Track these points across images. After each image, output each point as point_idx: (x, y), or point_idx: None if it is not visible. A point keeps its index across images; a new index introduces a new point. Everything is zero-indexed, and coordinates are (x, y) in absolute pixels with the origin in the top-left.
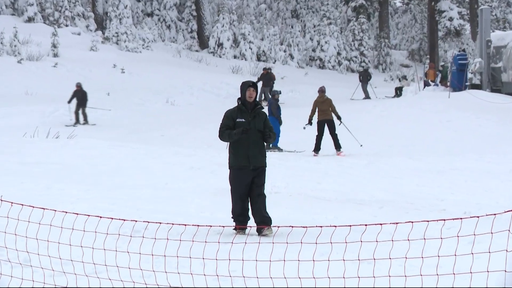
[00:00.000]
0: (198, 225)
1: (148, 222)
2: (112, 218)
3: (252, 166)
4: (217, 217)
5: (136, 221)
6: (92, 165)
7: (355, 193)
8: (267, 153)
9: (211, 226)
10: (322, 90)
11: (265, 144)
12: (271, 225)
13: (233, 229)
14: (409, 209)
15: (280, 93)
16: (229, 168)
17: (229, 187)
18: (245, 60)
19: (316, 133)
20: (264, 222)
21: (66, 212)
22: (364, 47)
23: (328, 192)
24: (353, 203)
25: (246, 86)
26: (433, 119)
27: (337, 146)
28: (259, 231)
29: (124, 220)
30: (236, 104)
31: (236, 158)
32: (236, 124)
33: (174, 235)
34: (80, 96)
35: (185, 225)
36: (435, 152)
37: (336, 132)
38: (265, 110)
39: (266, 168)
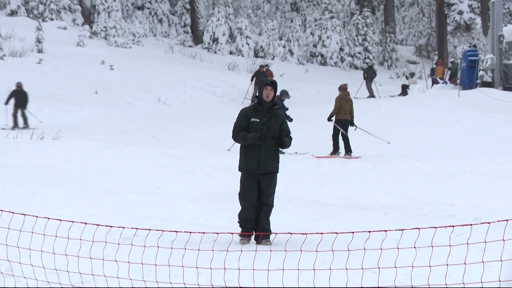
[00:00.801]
0: (191, 232)
1: (138, 228)
2: (98, 225)
3: (262, 170)
4: (212, 224)
5: (124, 227)
6: (79, 168)
7: (358, 198)
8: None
9: (204, 233)
10: (346, 88)
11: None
12: (269, 238)
13: (239, 235)
14: (416, 215)
15: (289, 96)
16: (239, 170)
17: (236, 190)
18: (242, 56)
19: (332, 133)
20: (263, 233)
21: (49, 219)
22: (369, 43)
23: (329, 196)
24: (356, 209)
25: (264, 84)
26: (441, 119)
27: (349, 150)
28: (259, 243)
29: (112, 226)
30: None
31: (246, 161)
32: (250, 124)
33: (166, 243)
34: (20, 97)
35: (177, 232)
36: (444, 154)
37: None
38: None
39: (278, 174)
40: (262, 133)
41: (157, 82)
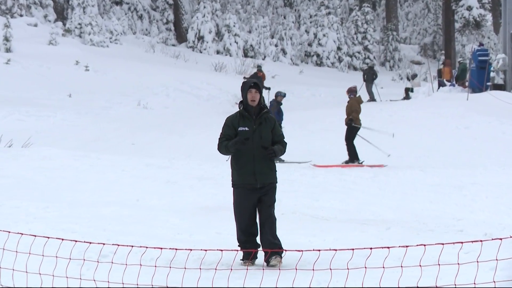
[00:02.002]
0: (176, 249)
1: (118, 245)
2: (75, 241)
3: (260, 184)
4: (198, 240)
5: (103, 244)
6: (51, 178)
7: (358, 211)
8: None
9: (191, 250)
10: (356, 91)
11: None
12: (281, 255)
13: (240, 259)
14: (421, 230)
15: (285, 95)
16: (232, 187)
17: (232, 207)
18: (230, 56)
19: (347, 139)
20: (272, 249)
21: (22, 234)
22: (369, 41)
23: (327, 210)
24: (356, 223)
25: (247, 87)
26: (449, 125)
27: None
28: (267, 261)
29: (90, 243)
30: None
31: (240, 175)
32: (238, 134)
33: (148, 261)
34: None
35: (161, 248)
36: (452, 164)
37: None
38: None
39: (277, 184)
40: (242, 137)
41: (136, 84)
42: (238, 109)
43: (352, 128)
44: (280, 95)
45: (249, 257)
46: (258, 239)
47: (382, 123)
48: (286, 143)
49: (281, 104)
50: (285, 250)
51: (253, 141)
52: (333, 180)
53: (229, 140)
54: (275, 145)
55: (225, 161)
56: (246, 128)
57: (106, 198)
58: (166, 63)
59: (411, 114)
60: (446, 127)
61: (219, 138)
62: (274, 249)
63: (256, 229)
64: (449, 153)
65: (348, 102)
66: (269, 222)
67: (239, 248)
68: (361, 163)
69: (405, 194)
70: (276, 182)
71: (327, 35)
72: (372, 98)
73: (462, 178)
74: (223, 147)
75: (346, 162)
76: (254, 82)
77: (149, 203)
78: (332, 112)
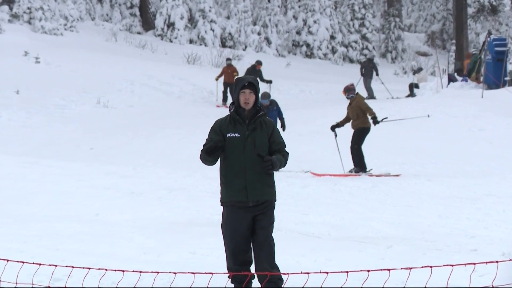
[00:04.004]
0: (140, 272)
1: (73, 267)
2: (23, 262)
3: (252, 202)
4: (166, 261)
5: (56, 266)
6: None
7: (354, 227)
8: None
9: (158, 272)
10: (355, 89)
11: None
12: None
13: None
14: (428, 249)
15: (268, 97)
16: (221, 205)
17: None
18: (205, 45)
19: (355, 145)
20: (269, 280)
21: None
22: (367, 29)
23: (318, 226)
24: (351, 241)
25: (240, 85)
26: (460, 126)
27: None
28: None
29: (40, 264)
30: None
31: (229, 191)
32: (227, 141)
33: (109, 285)
34: None
35: (123, 271)
36: (463, 172)
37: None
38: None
39: (276, 203)
40: (216, 142)
41: (96, 79)
42: (229, 112)
43: (363, 130)
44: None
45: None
46: (253, 268)
47: (383, 124)
48: (287, 153)
49: (274, 107)
50: (269, 274)
51: (244, 150)
52: (326, 190)
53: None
54: (274, 154)
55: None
56: (237, 135)
57: (59, 212)
58: (130, 54)
59: (416, 114)
60: (457, 129)
61: (203, 146)
62: (271, 279)
63: (251, 256)
64: (461, 160)
65: (351, 102)
66: (266, 246)
67: (222, 274)
68: (369, 171)
69: (409, 207)
70: (275, 200)
71: (318, 22)
72: (371, 95)
73: (476, 188)
74: (202, 157)
75: (354, 171)
76: (249, 81)
77: (110, 218)
78: (325, 111)
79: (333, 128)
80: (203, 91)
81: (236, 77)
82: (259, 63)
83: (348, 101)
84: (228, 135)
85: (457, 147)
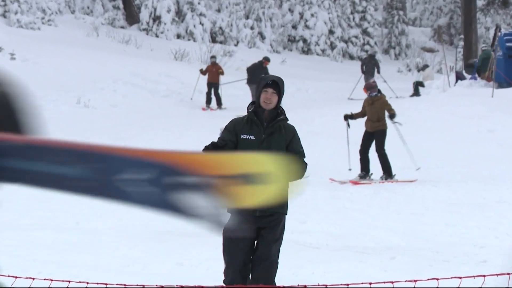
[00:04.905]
0: (125, 285)
1: (51, 280)
2: None
3: (260, 212)
4: (153, 273)
5: (33, 278)
6: None
7: (355, 236)
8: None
9: (143, 286)
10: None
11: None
12: None
13: None
14: (434, 261)
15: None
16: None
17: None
18: (194, 41)
19: (382, 150)
20: None
21: None
22: (369, 23)
23: (316, 235)
24: (352, 252)
25: (262, 84)
26: (469, 128)
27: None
28: None
29: (16, 277)
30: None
31: None
32: (239, 143)
33: None
34: None
35: (106, 284)
36: (472, 177)
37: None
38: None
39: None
40: (220, 141)
41: (76, 77)
42: (247, 112)
43: (385, 132)
44: None
45: None
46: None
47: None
48: (306, 164)
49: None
50: (262, 287)
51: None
52: (324, 197)
53: (222, 147)
54: None
55: None
56: (252, 137)
57: (36, 220)
58: (113, 50)
59: (421, 114)
60: (465, 130)
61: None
62: None
63: (249, 270)
64: (469, 163)
65: (374, 102)
66: (267, 265)
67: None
68: (370, 175)
69: (414, 215)
70: (285, 214)
71: (316, 15)
72: None
73: (485, 194)
74: None
75: (385, 177)
76: (273, 80)
77: (92, 226)
78: (323, 111)
79: (346, 117)
80: (191, 89)
81: (262, 76)
82: (266, 59)
83: (366, 97)
84: (242, 136)
85: (465, 149)
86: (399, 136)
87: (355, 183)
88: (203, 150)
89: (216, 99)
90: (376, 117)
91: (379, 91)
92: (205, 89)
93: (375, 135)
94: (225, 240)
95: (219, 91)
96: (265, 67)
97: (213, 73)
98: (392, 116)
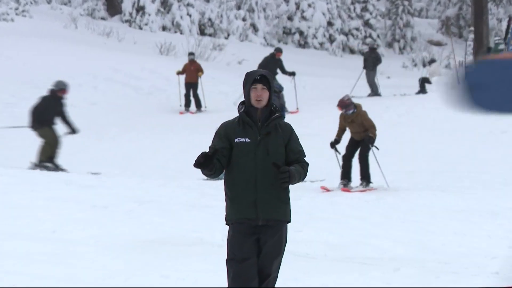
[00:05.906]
0: None
1: None
2: None
3: (262, 220)
4: (135, 286)
5: None
6: None
7: (355, 246)
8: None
9: None
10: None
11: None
12: None
13: None
14: (442, 272)
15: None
16: (226, 223)
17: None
18: (181, 33)
19: (366, 153)
20: None
21: None
22: (371, 14)
23: (313, 245)
24: (352, 263)
25: (250, 80)
26: (479, 128)
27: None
28: None
29: None
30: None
31: (236, 207)
32: (235, 147)
33: None
34: None
35: None
36: (483, 182)
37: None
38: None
39: (288, 225)
40: (210, 150)
41: (52, 72)
42: (238, 112)
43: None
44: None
45: None
46: None
47: (389, 126)
48: (308, 164)
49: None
50: None
51: (255, 158)
52: (322, 204)
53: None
54: (291, 165)
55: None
56: (247, 140)
57: (9, 228)
58: (93, 43)
59: (428, 113)
60: (475, 131)
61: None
62: None
63: (253, 265)
64: (480, 167)
65: (354, 119)
66: (266, 282)
67: None
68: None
69: (420, 223)
70: (289, 221)
71: (313, 6)
72: (375, 92)
73: (497, 201)
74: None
75: (365, 184)
76: (261, 74)
77: (70, 235)
78: (321, 111)
79: (333, 145)
80: (177, 86)
81: (247, 72)
82: (279, 50)
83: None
84: (236, 140)
85: (476, 152)
86: (375, 159)
87: (346, 190)
88: (194, 165)
89: (195, 100)
90: (362, 129)
91: (354, 106)
92: (184, 91)
93: (363, 141)
94: (229, 252)
95: (199, 91)
96: (278, 59)
97: (191, 71)
98: (370, 140)
